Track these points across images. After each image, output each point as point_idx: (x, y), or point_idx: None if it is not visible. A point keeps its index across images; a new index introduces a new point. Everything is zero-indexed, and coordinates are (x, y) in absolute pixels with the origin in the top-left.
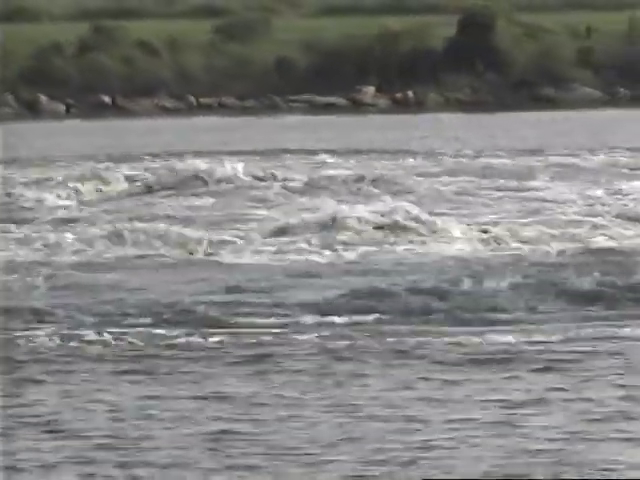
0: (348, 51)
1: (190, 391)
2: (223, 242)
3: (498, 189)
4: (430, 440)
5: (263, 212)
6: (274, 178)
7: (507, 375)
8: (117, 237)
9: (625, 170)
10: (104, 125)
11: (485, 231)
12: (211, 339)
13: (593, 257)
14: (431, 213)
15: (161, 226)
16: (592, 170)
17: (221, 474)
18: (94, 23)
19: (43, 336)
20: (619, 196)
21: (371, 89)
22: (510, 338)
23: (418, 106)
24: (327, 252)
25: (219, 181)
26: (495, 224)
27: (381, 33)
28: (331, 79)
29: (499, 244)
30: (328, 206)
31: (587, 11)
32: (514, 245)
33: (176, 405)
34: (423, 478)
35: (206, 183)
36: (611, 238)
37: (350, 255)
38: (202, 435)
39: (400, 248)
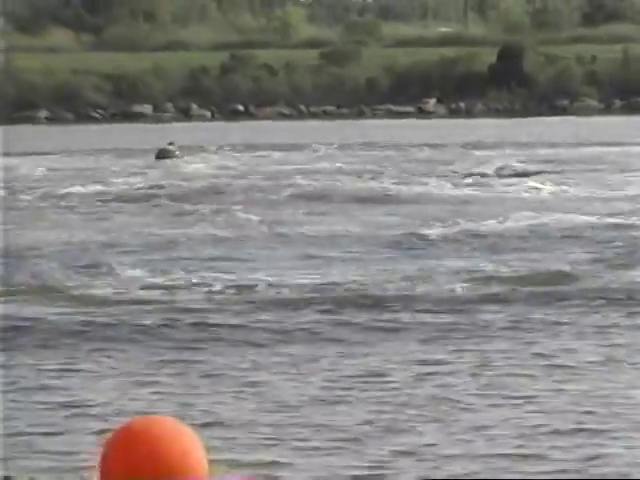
0: (416, 73)
1: None
2: None
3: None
4: None
5: None
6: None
7: None
8: None
9: None
10: (240, 125)
11: None
12: None
13: None
14: None
15: None
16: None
17: None
18: (231, 52)
19: None
20: None
21: (433, 101)
22: None
23: (468, 113)
24: None
25: None
26: None
27: (440, 60)
28: (404, 93)
29: None
30: None
31: (592, 44)
32: None
33: None
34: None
35: None
36: None
37: None
38: None
39: None
